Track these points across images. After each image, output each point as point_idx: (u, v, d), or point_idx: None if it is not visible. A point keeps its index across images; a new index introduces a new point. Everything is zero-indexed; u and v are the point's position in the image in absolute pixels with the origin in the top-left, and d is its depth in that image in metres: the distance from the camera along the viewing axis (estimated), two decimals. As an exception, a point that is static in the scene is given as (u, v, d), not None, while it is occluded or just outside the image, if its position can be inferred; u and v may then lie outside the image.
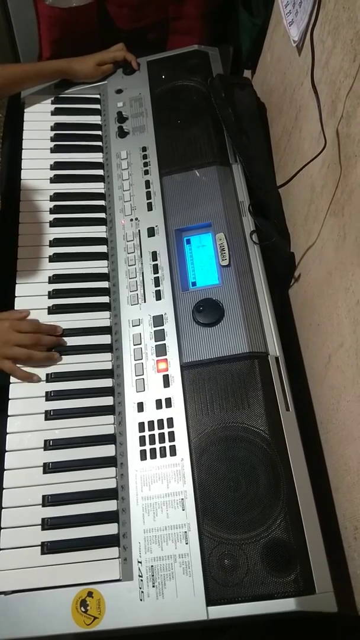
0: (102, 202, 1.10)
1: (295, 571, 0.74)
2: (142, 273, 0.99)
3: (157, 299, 0.96)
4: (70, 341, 0.95)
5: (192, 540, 0.77)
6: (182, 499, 0.80)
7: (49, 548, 0.79)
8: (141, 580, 0.76)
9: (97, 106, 1.21)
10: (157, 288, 0.96)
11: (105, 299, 1.00)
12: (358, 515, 0.76)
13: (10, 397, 0.89)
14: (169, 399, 0.87)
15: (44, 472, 0.84)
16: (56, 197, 1.09)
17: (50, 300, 0.98)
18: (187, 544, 0.77)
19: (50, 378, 0.92)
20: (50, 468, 0.85)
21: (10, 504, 0.82)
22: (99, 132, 1.18)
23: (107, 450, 0.86)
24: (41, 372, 0.92)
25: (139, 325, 0.94)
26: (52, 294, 0.99)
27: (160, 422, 0.86)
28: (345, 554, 0.81)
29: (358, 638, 0.80)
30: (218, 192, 1.02)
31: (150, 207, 1.05)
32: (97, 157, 1.15)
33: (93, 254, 1.04)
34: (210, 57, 1.21)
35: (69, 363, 0.93)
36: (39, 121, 1.18)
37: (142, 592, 0.75)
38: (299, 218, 1.01)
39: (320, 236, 0.90)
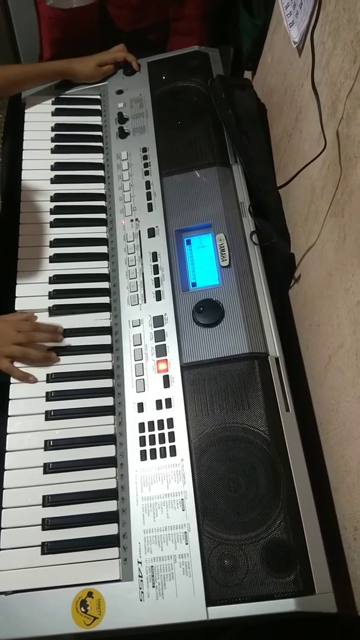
0: (102, 203, 1.10)
1: (295, 572, 0.74)
2: (143, 274, 0.99)
3: (157, 300, 0.96)
4: (71, 341, 0.95)
5: (192, 540, 0.77)
6: (182, 499, 0.80)
7: (49, 548, 0.79)
8: (141, 580, 0.76)
9: (98, 107, 1.22)
10: (158, 288, 0.97)
11: (105, 300, 1.00)
12: (358, 516, 0.76)
13: (10, 397, 0.90)
14: (169, 399, 0.87)
15: (44, 472, 0.85)
16: (57, 197, 1.09)
17: (51, 301, 0.98)
18: (187, 544, 0.77)
19: (51, 378, 0.92)
20: (50, 468, 0.85)
21: (11, 504, 0.82)
22: (100, 133, 1.18)
23: (107, 451, 0.87)
24: (42, 372, 0.92)
25: (139, 325, 0.94)
26: (53, 295, 0.99)
27: (161, 422, 0.86)
28: (345, 555, 0.81)
29: (357, 638, 0.80)
30: (218, 193, 1.02)
31: (150, 207, 1.05)
32: (97, 157, 1.15)
33: (93, 255, 1.04)
34: (211, 58, 1.21)
35: (69, 363, 0.94)
36: (39, 122, 1.18)
37: (142, 592, 0.75)
38: (299, 219, 1.01)
39: (321, 237, 0.90)
